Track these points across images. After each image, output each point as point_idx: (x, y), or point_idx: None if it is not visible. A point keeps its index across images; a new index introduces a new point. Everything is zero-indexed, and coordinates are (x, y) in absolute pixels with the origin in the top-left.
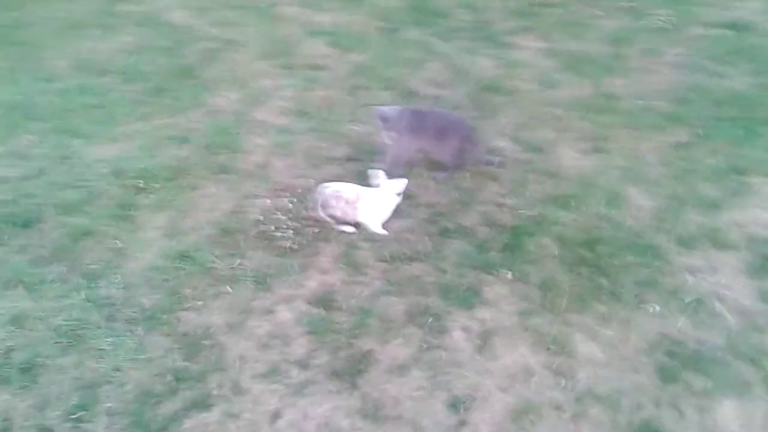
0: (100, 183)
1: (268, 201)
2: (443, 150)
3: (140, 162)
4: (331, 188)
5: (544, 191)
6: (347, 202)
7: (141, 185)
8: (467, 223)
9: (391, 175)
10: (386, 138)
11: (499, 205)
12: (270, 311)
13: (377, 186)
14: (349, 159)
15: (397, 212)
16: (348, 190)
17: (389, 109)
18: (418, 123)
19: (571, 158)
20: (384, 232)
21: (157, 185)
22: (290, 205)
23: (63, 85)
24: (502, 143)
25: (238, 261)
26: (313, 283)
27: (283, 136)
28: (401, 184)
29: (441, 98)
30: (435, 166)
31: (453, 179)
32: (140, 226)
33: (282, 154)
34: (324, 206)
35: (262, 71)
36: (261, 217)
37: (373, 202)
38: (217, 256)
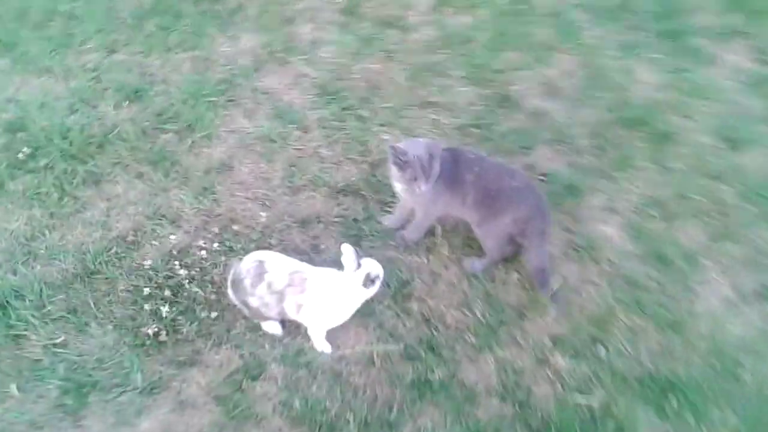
0: None
1: (174, 237)
2: (488, 229)
3: (53, 116)
4: (252, 261)
5: (637, 357)
6: (272, 289)
7: (26, 155)
8: (470, 380)
9: (401, 244)
10: (403, 189)
11: (541, 362)
12: None
13: (345, 268)
14: (350, 191)
15: (366, 314)
16: (278, 269)
17: (416, 147)
18: (461, 175)
19: (713, 303)
20: (327, 348)
21: (45, 161)
22: (204, 255)
23: None
24: (606, 228)
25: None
26: (147, 424)
27: (277, 123)
28: (375, 268)
29: (545, 117)
30: (469, 246)
31: (487, 278)
32: None
33: (258, 153)
34: (235, 287)
35: (311, 12)
36: (149, 263)
37: (322, 296)
38: (34, 317)
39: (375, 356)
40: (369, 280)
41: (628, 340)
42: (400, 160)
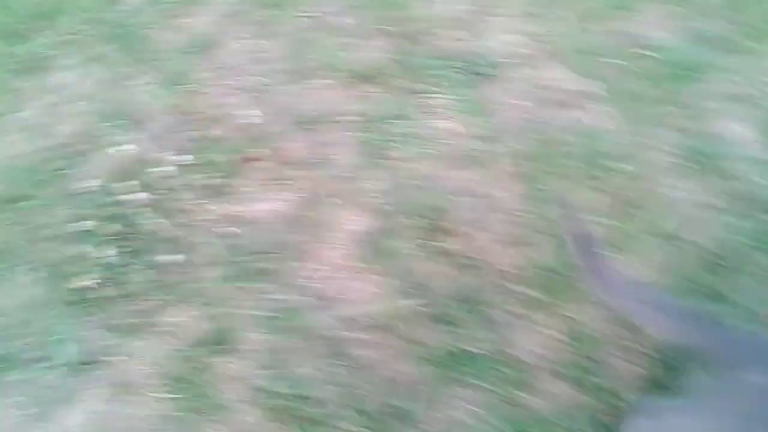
0: None
1: (133, 146)
2: None
3: None
4: None
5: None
6: None
7: None
8: (526, 352)
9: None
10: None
11: (630, 328)
12: None
13: None
14: (378, 78)
15: (388, 255)
16: None
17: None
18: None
19: None
20: None
21: None
22: (174, 171)
23: None
24: (737, 126)
25: None
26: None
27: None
28: None
29: None
30: None
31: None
32: None
33: (256, 23)
34: None
35: None
36: (98, 184)
37: None
38: None
39: (395, 318)
40: None
41: (758, 291)
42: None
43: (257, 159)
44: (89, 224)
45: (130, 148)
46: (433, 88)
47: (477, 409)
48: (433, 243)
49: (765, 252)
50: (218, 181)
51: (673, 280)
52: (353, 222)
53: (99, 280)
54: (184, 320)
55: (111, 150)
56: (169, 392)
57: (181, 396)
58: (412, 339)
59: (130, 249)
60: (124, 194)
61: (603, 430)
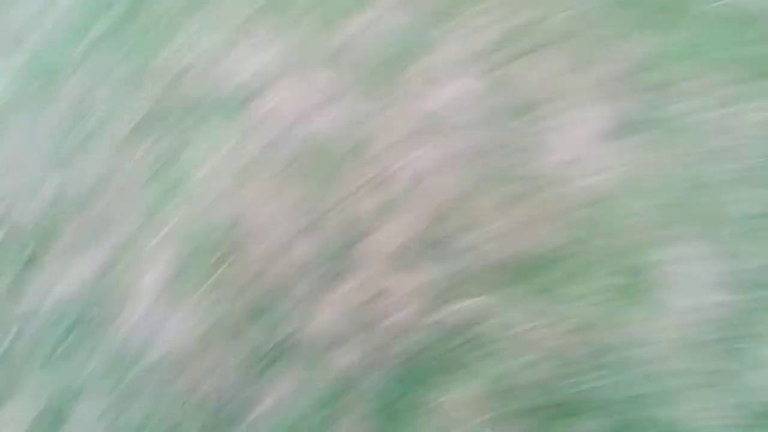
0: None
1: None
2: None
3: None
4: None
5: (496, 244)
6: None
7: None
8: (320, 327)
9: None
10: None
11: (395, 284)
12: None
13: None
14: None
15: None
16: None
17: None
18: None
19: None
20: None
21: None
22: None
23: None
24: (465, 81)
25: None
26: None
27: None
28: None
29: None
30: None
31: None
32: None
33: None
34: None
35: None
36: None
37: None
38: None
39: (207, 341)
40: None
41: (487, 224)
42: None
43: (55, 235)
44: None
45: None
46: (202, 126)
47: (295, 387)
48: (226, 267)
49: None
50: (20, 266)
51: None
52: (153, 271)
53: None
54: (18, 410)
55: None
56: None
57: None
58: (226, 352)
59: None
60: None
61: (405, 369)
